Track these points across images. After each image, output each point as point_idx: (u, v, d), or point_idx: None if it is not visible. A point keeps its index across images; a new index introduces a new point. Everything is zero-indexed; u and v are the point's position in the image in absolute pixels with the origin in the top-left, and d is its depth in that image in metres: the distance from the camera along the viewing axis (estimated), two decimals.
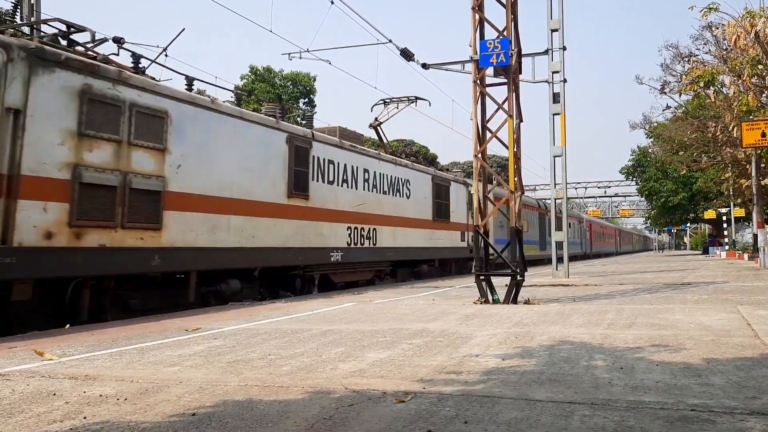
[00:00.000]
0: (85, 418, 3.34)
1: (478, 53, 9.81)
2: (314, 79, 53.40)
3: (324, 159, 13.68)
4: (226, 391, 3.90)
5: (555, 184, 17.01)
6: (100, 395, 3.84)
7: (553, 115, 16.36)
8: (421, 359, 4.85)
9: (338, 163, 14.29)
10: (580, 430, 2.93)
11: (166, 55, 13.05)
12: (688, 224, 72.66)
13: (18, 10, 12.25)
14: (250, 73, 51.36)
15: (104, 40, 9.23)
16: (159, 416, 3.34)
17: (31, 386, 4.15)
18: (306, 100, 53.77)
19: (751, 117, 18.75)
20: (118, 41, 9.24)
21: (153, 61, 9.85)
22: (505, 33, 9.76)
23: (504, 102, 9.84)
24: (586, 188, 76.30)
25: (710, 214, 49.05)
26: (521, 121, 9.93)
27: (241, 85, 51.08)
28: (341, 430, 3.03)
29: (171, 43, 10.35)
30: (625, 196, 78.08)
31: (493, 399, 3.54)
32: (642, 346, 5.26)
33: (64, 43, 8.66)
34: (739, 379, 3.90)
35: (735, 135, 22.05)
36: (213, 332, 6.68)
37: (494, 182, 10.82)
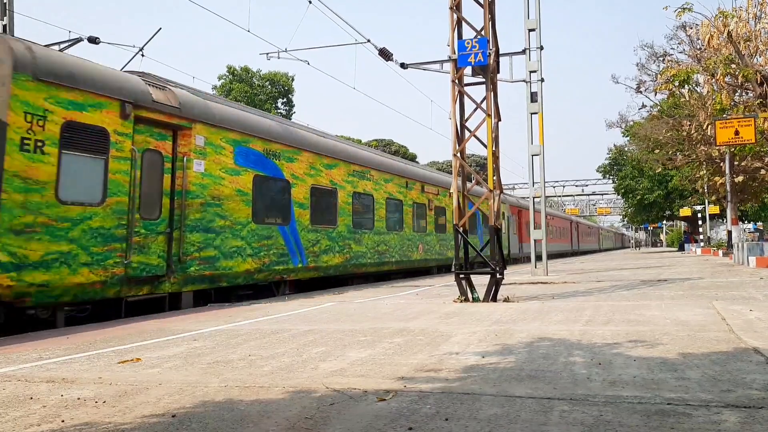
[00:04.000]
0: (62, 421, 3.30)
1: (457, 53, 9.85)
2: (293, 79, 53.27)
3: None
4: (207, 392, 3.88)
5: (533, 183, 17.16)
6: (78, 398, 3.79)
7: (531, 114, 16.49)
8: (402, 358, 4.86)
9: None
10: (559, 425, 2.96)
11: (143, 55, 12.94)
12: (664, 222, 73.62)
13: None
14: (227, 73, 51.07)
15: (79, 40, 9.12)
16: (139, 418, 3.31)
17: (7, 390, 4.08)
18: (284, 100, 53.62)
19: (724, 115, 19.05)
20: (93, 40, 9.14)
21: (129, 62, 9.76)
22: (482, 32, 9.81)
23: (482, 101, 9.90)
24: (564, 187, 77.01)
25: (685, 211, 49.74)
26: (499, 120, 10.00)
27: (219, 85, 50.78)
28: (322, 429, 3.03)
29: (147, 42, 10.25)
30: (602, 195, 79.00)
31: (473, 396, 3.57)
32: (619, 342, 5.33)
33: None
34: (714, 373, 3.96)
35: (709, 133, 22.43)
36: (192, 334, 6.63)
37: (473, 181, 10.87)
